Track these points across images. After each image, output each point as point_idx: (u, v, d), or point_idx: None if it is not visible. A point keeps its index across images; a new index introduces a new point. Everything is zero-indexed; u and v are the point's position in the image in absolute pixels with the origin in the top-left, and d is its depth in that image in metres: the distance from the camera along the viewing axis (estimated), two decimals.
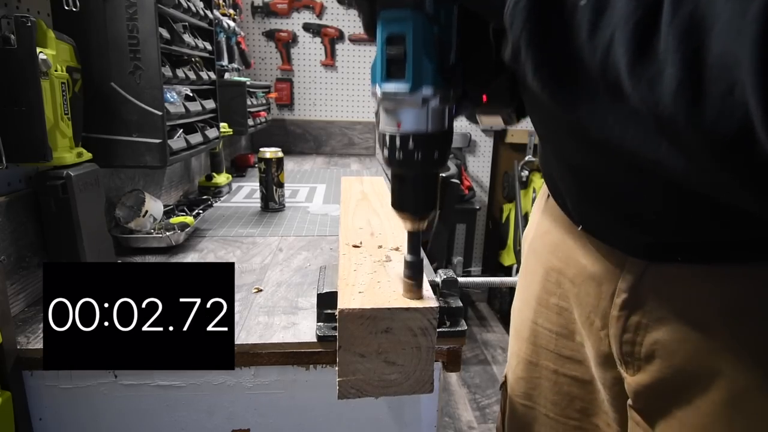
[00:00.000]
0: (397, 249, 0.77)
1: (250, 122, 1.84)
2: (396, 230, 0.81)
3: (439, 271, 0.67)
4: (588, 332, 0.56)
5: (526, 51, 0.31)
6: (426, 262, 0.86)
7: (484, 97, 0.48)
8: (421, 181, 0.46)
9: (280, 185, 1.34)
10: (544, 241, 0.63)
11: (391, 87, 0.41)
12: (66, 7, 0.81)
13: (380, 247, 0.72)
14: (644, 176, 0.42)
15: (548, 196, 0.63)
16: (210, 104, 1.25)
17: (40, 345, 0.63)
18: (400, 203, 0.48)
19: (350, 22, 2.63)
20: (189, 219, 1.09)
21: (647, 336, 0.48)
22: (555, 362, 0.62)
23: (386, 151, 0.44)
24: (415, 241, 0.51)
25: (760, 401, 0.42)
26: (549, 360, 0.62)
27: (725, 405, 0.44)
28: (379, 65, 0.41)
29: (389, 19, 0.40)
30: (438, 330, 0.53)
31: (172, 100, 1.03)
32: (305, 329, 0.68)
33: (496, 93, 0.49)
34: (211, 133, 1.24)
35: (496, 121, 0.58)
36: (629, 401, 0.52)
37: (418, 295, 0.53)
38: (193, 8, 1.12)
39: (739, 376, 0.43)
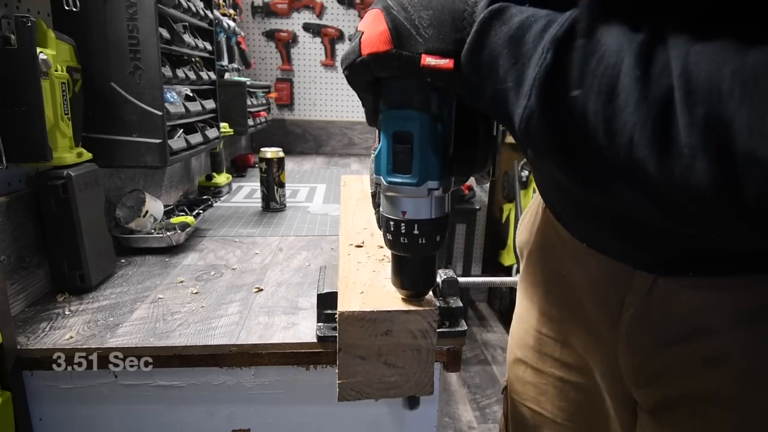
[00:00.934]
0: None
1: (250, 122, 1.84)
2: None
3: (439, 271, 0.67)
4: (595, 345, 0.55)
5: (550, 159, 0.33)
6: None
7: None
8: (422, 263, 0.48)
9: (281, 185, 1.34)
10: (546, 253, 0.61)
11: (398, 180, 0.42)
12: (66, 7, 0.81)
13: (381, 247, 0.72)
14: None
15: (545, 207, 0.62)
16: (210, 104, 1.25)
17: (40, 345, 0.63)
18: (402, 283, 0.50)
19: (350, 22, 2.63)
20: (190, 219, 1.09)
21: (657, 353, 0.47)
22: (560, 370, 0.61)
23: (390, 236, 0.46)
24: None
25: None
26: (554, 368, 0.62)
27: (739, 427, 0.43)
28: (385, 159, 0.43)
29: (396, 117, 0.41)
30: (438, 330, 0.53)
31: (172, 100, 1.03)
32: (305, 329, 0.68)
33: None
34: (211, 133, 1.24)
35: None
36: (638, 405, 0.52)
37: None
38: (193, 8, 1.12)
39: (757, 400, 0.42)
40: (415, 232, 0.44)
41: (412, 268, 0.48)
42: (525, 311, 0.67)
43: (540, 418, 0.65)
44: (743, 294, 0.42)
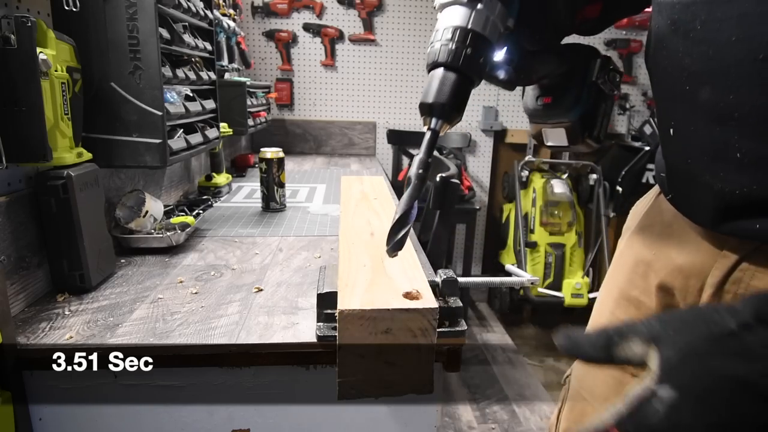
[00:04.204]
0: None
1: (250, 122, 1.84)
2: None
3: (439, 271, 0.67)
4: None
5: None
6: (426, 261, 0.86)
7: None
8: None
9: (281, 185, 1.34)
10: (642, 234, 0.63)
11: None
12: (66, 7, 0.81)
13: (381, 246, 0.72)
14: None
15: (655, 196, 0.64)
16: (210, 104, 1.25)
17: (40, 345, 0.63)
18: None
19: (350, 22, 2.63)
20: (190, 219, 1.09)
21: None
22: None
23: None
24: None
25: None
26: None
27: None
28: None
29: None
30: (438, 330, 0.53)
31: (172, 100, 1.03)
32: (305, 329, 0.68)
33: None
34: (211, 133, 1.24)
35: (560, 138, 0.61)
36: None
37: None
38: (193, 8, 1.12)
39: None
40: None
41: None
42: (605, 293, 0.68)
43: (590, 409, 0.65)
44: None
